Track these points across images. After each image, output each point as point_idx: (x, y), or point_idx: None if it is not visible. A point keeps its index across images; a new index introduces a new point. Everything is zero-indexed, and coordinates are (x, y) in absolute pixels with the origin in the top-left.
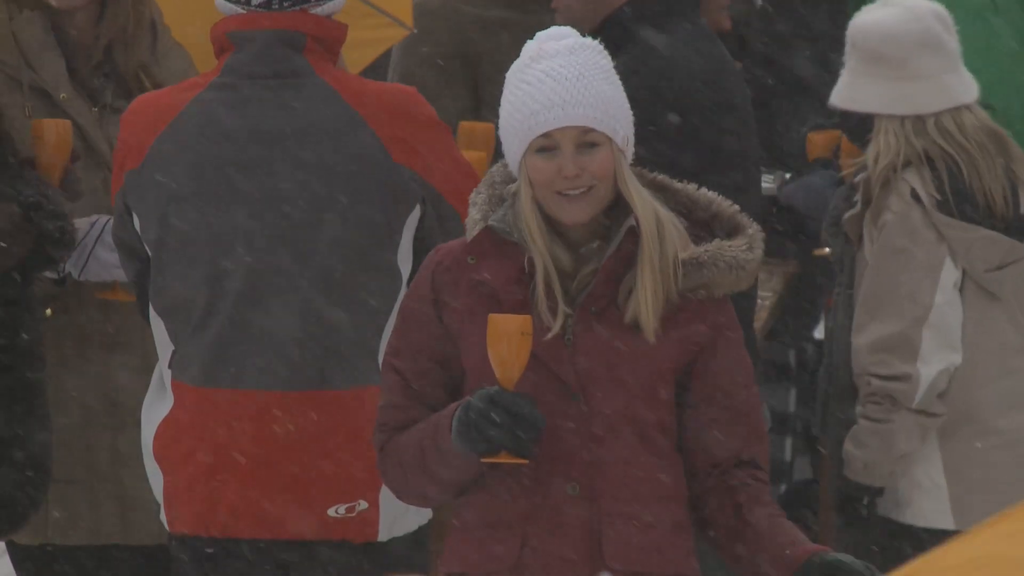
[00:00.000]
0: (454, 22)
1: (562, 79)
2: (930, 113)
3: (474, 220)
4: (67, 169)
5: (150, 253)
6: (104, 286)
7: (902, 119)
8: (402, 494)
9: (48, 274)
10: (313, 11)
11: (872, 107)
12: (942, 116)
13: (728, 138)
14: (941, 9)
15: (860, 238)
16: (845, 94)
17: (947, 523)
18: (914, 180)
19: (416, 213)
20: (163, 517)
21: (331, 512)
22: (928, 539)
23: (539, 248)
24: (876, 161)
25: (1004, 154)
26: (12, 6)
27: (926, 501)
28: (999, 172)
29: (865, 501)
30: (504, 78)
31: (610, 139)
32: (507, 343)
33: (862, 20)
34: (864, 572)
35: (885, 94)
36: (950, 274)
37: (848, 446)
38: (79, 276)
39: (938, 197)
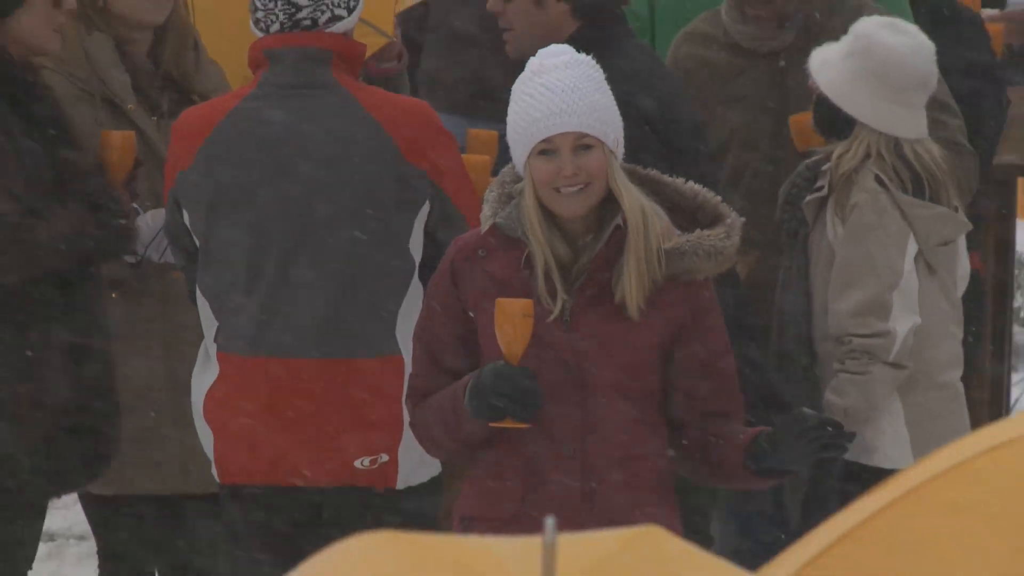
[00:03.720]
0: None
1: (559, 91)
2: (907, 139)
3: (486, 216)
4: (131, 174)
5: (197, 243)
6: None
7: (881, 135)
8: (427, 447)
9: (127, 258)
10: (328, 30)
11: (862, 116)
12: (915, 143)
13: (676, 140)
14: (924, 41)
15: (815, 220)
16: (840, 91)
17: (907, 462)
18: (878, 171)
19: (425, 208)
20: (214, 470)
21: (357, 464)
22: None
23: (539, 240)
24: (840, 159)
25: (953, 183)
26: (83, 27)
27: (891, 447)
28: (952, 196)
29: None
30: None
31: (602, 142)
32: (511, 324)
33: (880, 36)
34: (797, 423)
35: (879, 110)
36: (912, 247)
37: (830, 396)
38: (159, 259)
39: (899, 184)
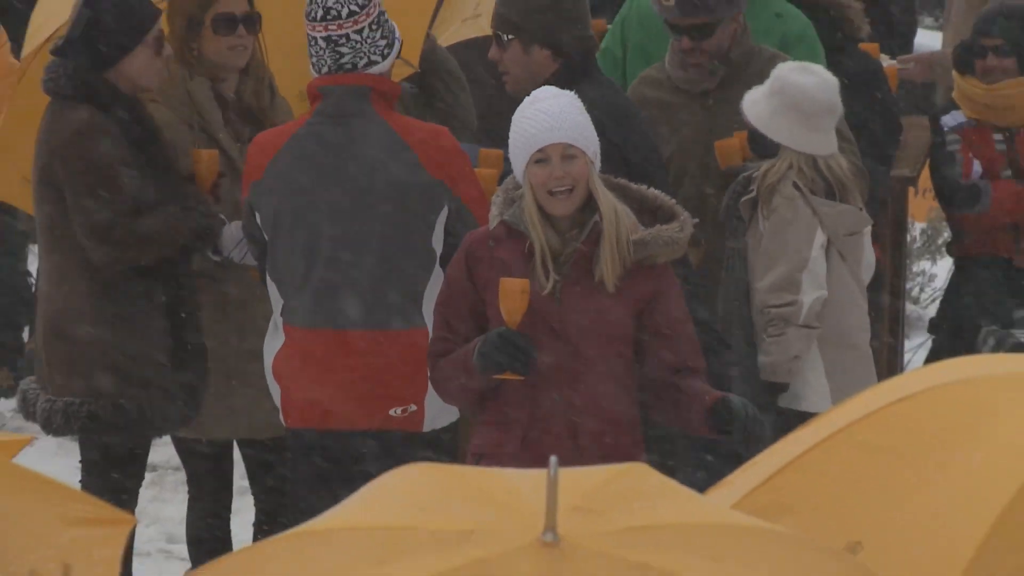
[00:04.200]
0: None
1: (550, 113)
2: (820, 155)
3: (494, 215)
4: (215, 183)
5: (267, 239)
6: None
7: (800, 154)
8: (445, 398)
9: (212, 255)
10: (367, 71)
11: (783, 140)
12: (828, 158)
13: (634, 156)
14: (830, 78)
15: (751, 218)
16: (765, 122)
17: (827, 405)
18: (795, 179)
19: (444, 212)
20: (281, 417)
21: (391, 412)
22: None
23: (537, 232)
24: (766, 173)
25: (859, 189)
26: (186, 72)
27: (814, 396)
28: (857, 199)
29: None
30: None
31: (584, 153)
32: (512, 298)
33: (793, 78)
34: (743, 410)
35: (796, 135)
36: (819, 238)
37: (760, 357)
38: (240, 260)
39: (812, 189)
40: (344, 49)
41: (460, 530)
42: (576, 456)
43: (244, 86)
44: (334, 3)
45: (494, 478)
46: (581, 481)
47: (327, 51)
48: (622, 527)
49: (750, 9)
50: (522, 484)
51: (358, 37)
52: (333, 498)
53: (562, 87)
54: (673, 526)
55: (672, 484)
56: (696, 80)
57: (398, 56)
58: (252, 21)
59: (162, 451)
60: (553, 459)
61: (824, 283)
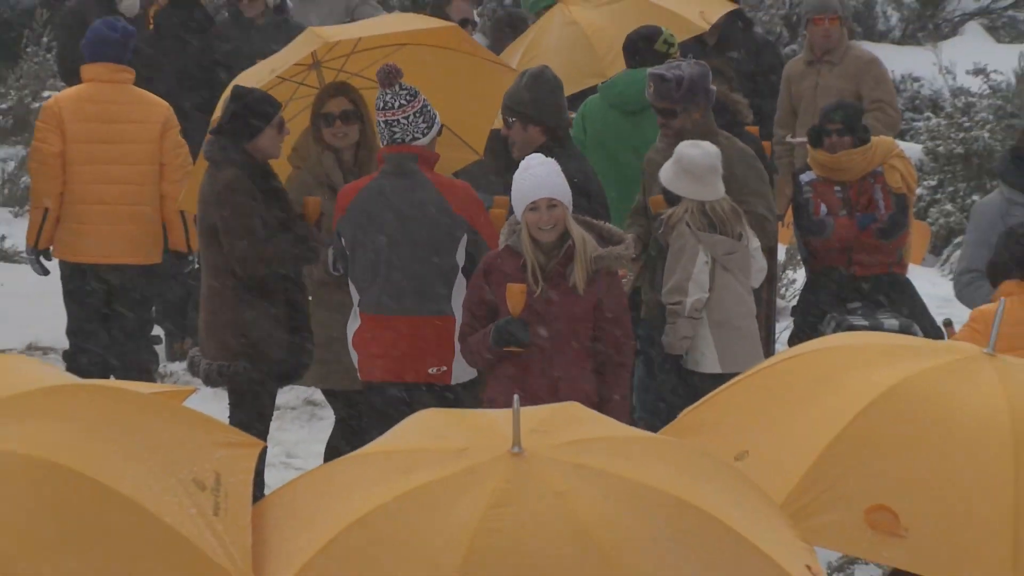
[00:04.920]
0: None
1: (539, 176)
2: (709, 201)
3: (501, 242)
4: (317, 221)
5: (348, 255)
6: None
7: (693, 201)
8: (470, 362)
9: (333, 272)
10: (414, 143)
11: (682, 193)
12: (713, 203)
13: (597, 200)
14: (712, 148)
15: (667, 244)
16: (671, 182)
17: (716, 369)
18: (688, 220)
19: (464, 238)
20: (359, 375)
21: (430, 371)
22: (707, 379)
23: (529, 254)
24: (670, 216)
25: (740, 223)
26: (318, 147)
27: (707, 361)
28: (735, 229)
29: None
30: None
31: (562, 202)
32: (514, 297)
33: (686, 151)
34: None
35: (692, 189)
36: (703, 257)
37: (663, 338)
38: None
39: (699, 226)
40: (396, 129)
41: (456, 449)
42: (553, 399)
43: (357, 154)
44: (391, 98)
45: (479, 415)
46: (536, 413)
47: (386, 130)
48: (565, 441)
49: None
50: (497, 417)
51: (405, 121)
52: (389, 428)
53: (547, 154)
54: (601, 439)
55: (598, 414)
56: (667, 150)
57: (439, 134)
58: (348, 116)
59: (282, 396)
60: (516, 398)
61: (706, 287)
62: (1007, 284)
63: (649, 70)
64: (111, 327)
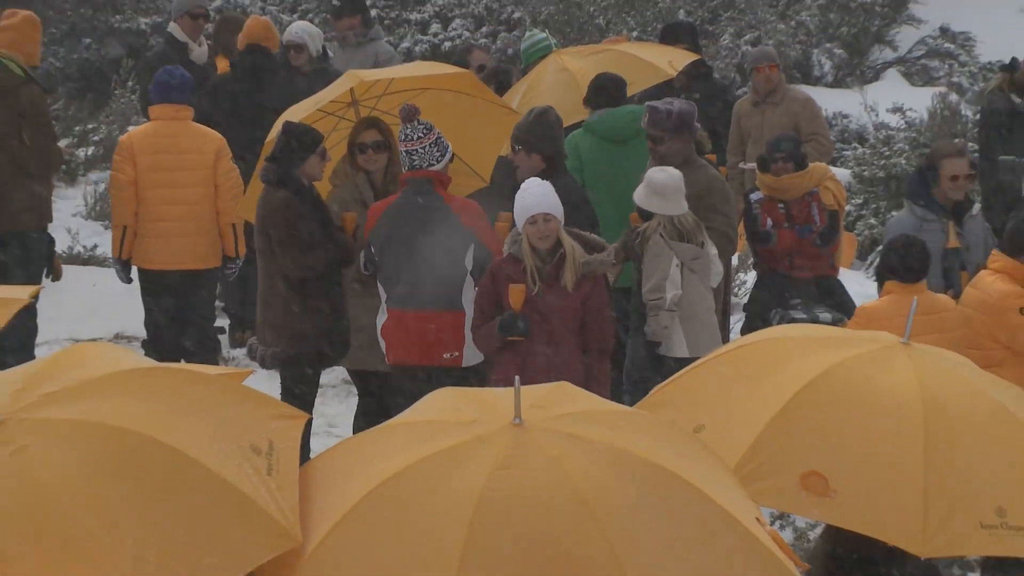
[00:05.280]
0: None
1: (537, 195)
2: (676, 215)
3: (504, 250)
4: (354, 232)
5: (376, 260)
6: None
7: (663, 216)
8: (480, 349)
9: (365, 271)
10: (433, 169)
11: (653, 209)
12: (678, 217)
13: (586, 215)
14: (676, 172)
15: (642, 251)
16: (644, 201)
17: (684, 353)
18: (660, 232)
19: (472, 247)
20: (386, 358)
21: (445, 356)
22: (677, 362)
23: (528, 259)
24: (646, 229)
25: (701, 233)
26: (352, 169)
27: (677, 347)
28: (698, 239)
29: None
30: None
31: (555, 217)
32: (516, 295)
33: (654, 175)
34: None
35: (660, 206)
36: (674, 262)
37: (646, 327)
38: (371, 273)
39: (670, 236)
40: (415, 157)
41: (467, 421)
42: (548, 379)
43: (387, 176)
44: (410, 131)
45: (486, 393)
46: (534, 391)
47: (406, 158)
48: (558, 414)
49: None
50: (501, 394)
51: (422, 151)
52: (411, 404)
53: (545, 178)
54: (588, 412)
55: (586, 392)
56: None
57: (451, 161)
58: (378, 146)
59: (324, 376)
60: (516, 378)
61: (679, 286)
62: (889, 284)
63: (647, 103)
64: (181, 319)
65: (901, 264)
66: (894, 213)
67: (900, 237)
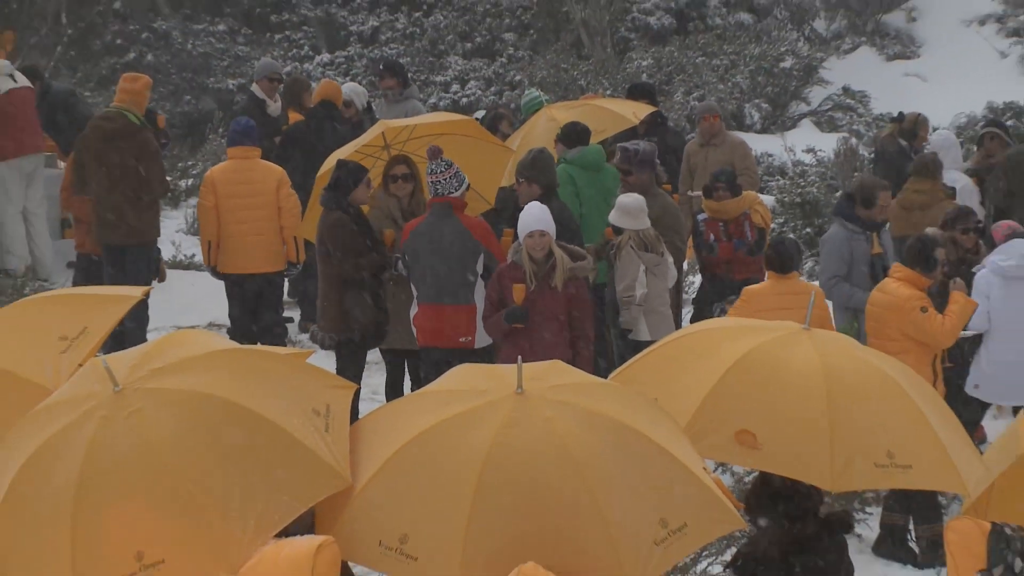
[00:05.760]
0: None
1: (535, 215)
2: (641, 230)
3: (508, 258)
4: (391, 245)
5: (409, 266)
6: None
7: (632, 230)
8: (489, 334)
9: (399, 272)
10: (452, 195)
11: (625, 226)
12: (642, 230)
13: (570, 228)
14: (640, 197)
15: (615, 259)
16: (617, 219)
17: (647, 337)
18: (631, 244)
19: (481, 257)
20: (416, 340)
21: (461, 339)
22: (640, 344)
23: (528, 266)
24: (620, 239)
25: (661, 245)
26: (386, 195)
27: (642, 333)
28: (660, 249)
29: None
30: None
31: (549, 232)
32: (517, 293)
33: (624, 200)
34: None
35: (630, 223)
36: (641, 267)
37: (619, 318)
38: (405, 274)
39: (638, 247)
40: (438, 187)
41: (479, 390)
42: (542, 358)
43: (413, 200)
44: (435, 166)
45: (494, 368)
46: (533, 367)
47: (432, 187)
48: (552, 385)
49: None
50: (507, 370)
51: (444, 181)
52: (436, 375)
53: (543, 202)
54: (575, 384)
55: (574, 368)
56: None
57: (467, 189)
58: (406, 177)
59: (370, 354)
60: (519, 358)
61: (645, 285)
62: (769, 274)
63: (618, 144)
64: (257, 311)
65: (777, 260)
66: (808, 231)
67: (775, 239)
